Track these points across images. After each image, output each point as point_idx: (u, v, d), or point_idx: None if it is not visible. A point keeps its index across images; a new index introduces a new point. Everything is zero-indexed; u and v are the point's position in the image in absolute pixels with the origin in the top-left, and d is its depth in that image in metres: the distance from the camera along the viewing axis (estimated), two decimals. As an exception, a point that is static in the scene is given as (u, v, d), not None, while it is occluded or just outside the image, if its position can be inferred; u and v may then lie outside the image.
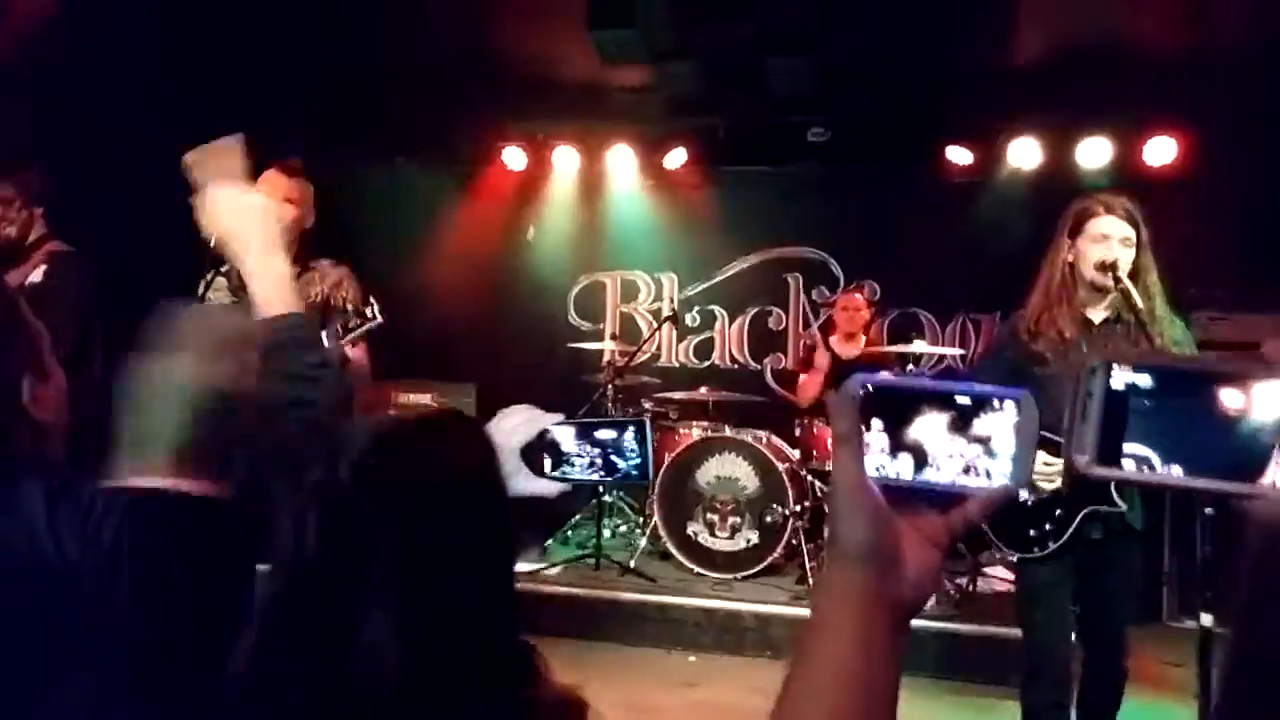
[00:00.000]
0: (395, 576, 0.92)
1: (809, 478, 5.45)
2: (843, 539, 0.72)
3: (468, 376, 6.26)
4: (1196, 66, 5.16)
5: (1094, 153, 6.03)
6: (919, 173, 6.58)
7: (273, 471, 1.04)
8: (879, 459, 0.76)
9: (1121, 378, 0.72)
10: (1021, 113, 6.05)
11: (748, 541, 5.33)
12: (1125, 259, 2.87)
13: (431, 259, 6.99)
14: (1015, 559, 3.09)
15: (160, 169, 5.39)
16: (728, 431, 5.58)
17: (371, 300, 2.79)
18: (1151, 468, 0.72)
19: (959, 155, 6.33)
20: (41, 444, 1.27)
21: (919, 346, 5.33)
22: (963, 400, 0.75)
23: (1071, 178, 6.02)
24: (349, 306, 3.18)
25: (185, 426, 1.03)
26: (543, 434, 1.38)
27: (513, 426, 1.38)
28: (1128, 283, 2.82)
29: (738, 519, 5.34)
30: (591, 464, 1.40)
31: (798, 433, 5.55)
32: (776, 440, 5.59)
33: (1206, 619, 2.27)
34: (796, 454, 5.51)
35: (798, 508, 5.21)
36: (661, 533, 5.49)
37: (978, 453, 0.75)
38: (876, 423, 0.76)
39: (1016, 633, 3.21)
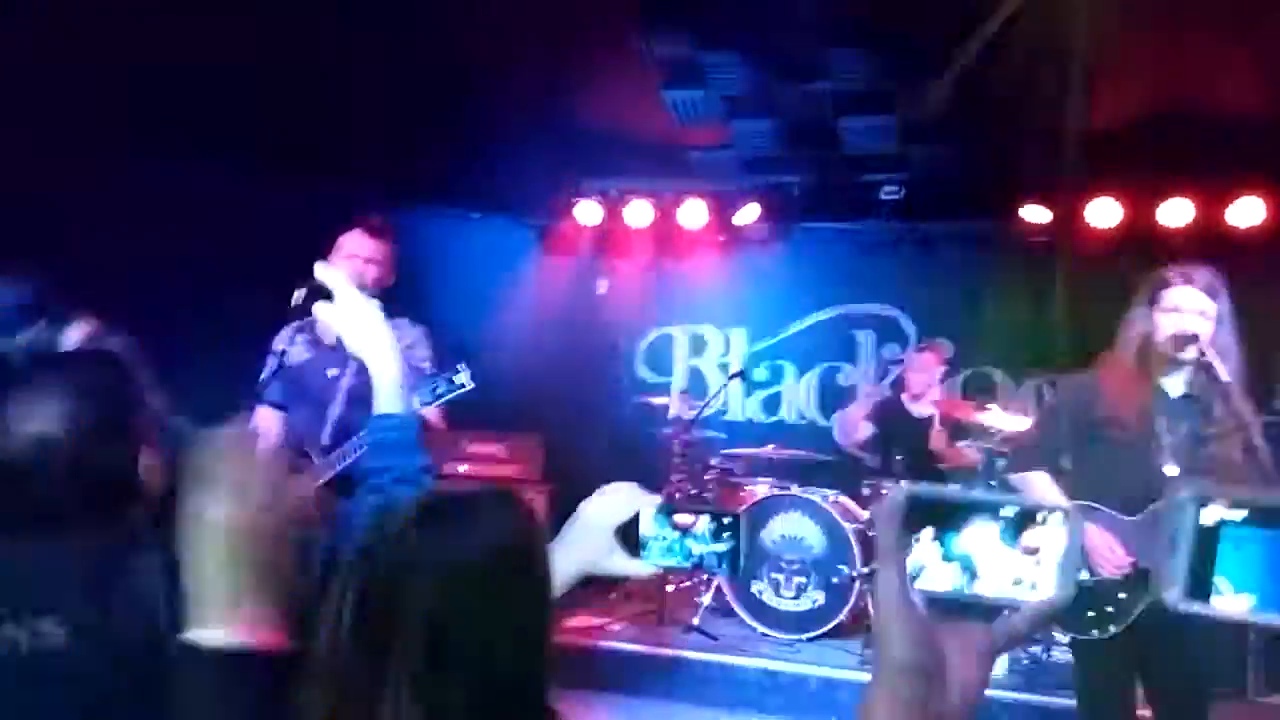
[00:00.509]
0: (419, 649, 0.93)
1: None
2: (888, 654, 0.73)
3: (536, 428, 6.31)
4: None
5: (1176, 213, 5.91)
6: (994, 231, 6.53)
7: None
8: (929, 569, 0.76)
9: (1214, 513, 0.72)
10: (1102, 173, 5.96)
11: (814, 602, 5.24)
12: (1203, 332, 2.78)
13: (505, 312, 7.11)
14: (1069, 640, 2.98)
15: (239, 214, 5.52)
16: (794, 490, 5.52)
17: (461, 366, 2.86)
18: (1240, 605, 0.71)
19: (1035, 214, 6.25)
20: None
21: (993, 417, 5.19)
22: (1008, 512, 0.76)
23: (1152, 239, 5.91)
24: (423, 366, 3.26)
25: (237, 578, 1.04)
26: (637, 516, 1.38)
27: (611, 505, 1.39)
28: (1212, 354, 2.74)
29: (804, 579, 5.26)
30: (671, 549, 1.39)
31: (866, 492, 5.46)
32: (844, 500, 5.51)
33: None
34: (865, 514, 5.42)
35: (865, 569, 5.11)
36: (725, 590, 5.43)
37: (1028, 564, 0.75)
38: (928, 531, 0.76)
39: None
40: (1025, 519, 0.75)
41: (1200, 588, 0.72)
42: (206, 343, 4.88)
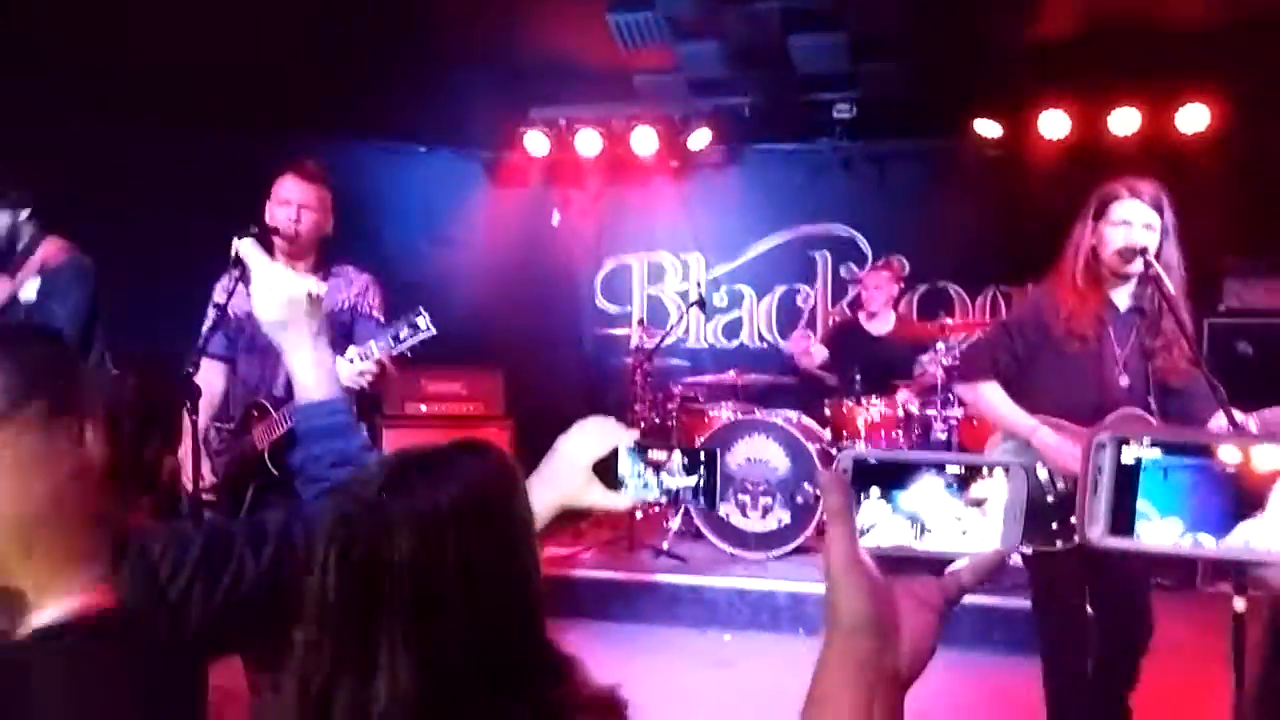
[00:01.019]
0: (407, 600, 0.94)
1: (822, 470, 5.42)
2: (839, 613, 0.73)
3: (496, 363, 6.29)
4: (1228, 32, 5.07)
5: (1125, 122, 5.95)
6: (947, 147, 6.54)
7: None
8: (877, 526, 0.78)
9: (1131, 452, 0.74)
10: (1051, 84, 5.97)
11: (780, 522, 5.33)
12: (1150, 245, 2.82)
13: (457, 246, 7.02)
14: (1031, 552, 3.08)
15: (169, 167, 5.44)
16: (757, 413, 5.58)
17: (421, 309, 2.82)
18: (1165, 537, 0.74)
19: (988, 128, 6.26)
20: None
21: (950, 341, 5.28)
22: (954, 469, 0.78)
23: (1102, 148, 5.95)
24: (375, 313, 3.21)
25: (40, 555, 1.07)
26: (614, 451, 1.39)
27: (587, 442, 1.39)
28: (1159, 268, 2.77)
29: (769, 499, 5.34)
30: (646, 485, 1.41)
31: (828, 412, 5.53)
32: (807, 420, 5.57)
33: (1239, 603, 2.24)
34: (827, 434, 5.50)
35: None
36: (693, 514, 5.50)
37: (974, 516, 0.77)
38: (874, 489, 0.78)
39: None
40: (970, 473, 0.77)
41: (1123, 524, 0.74)
42: (148, 288, 4.82)
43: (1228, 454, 0.72)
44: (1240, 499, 0.72)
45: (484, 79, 5.92)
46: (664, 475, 1.38)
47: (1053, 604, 3.06)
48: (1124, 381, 2.89)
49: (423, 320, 2.82)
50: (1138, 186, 2.87)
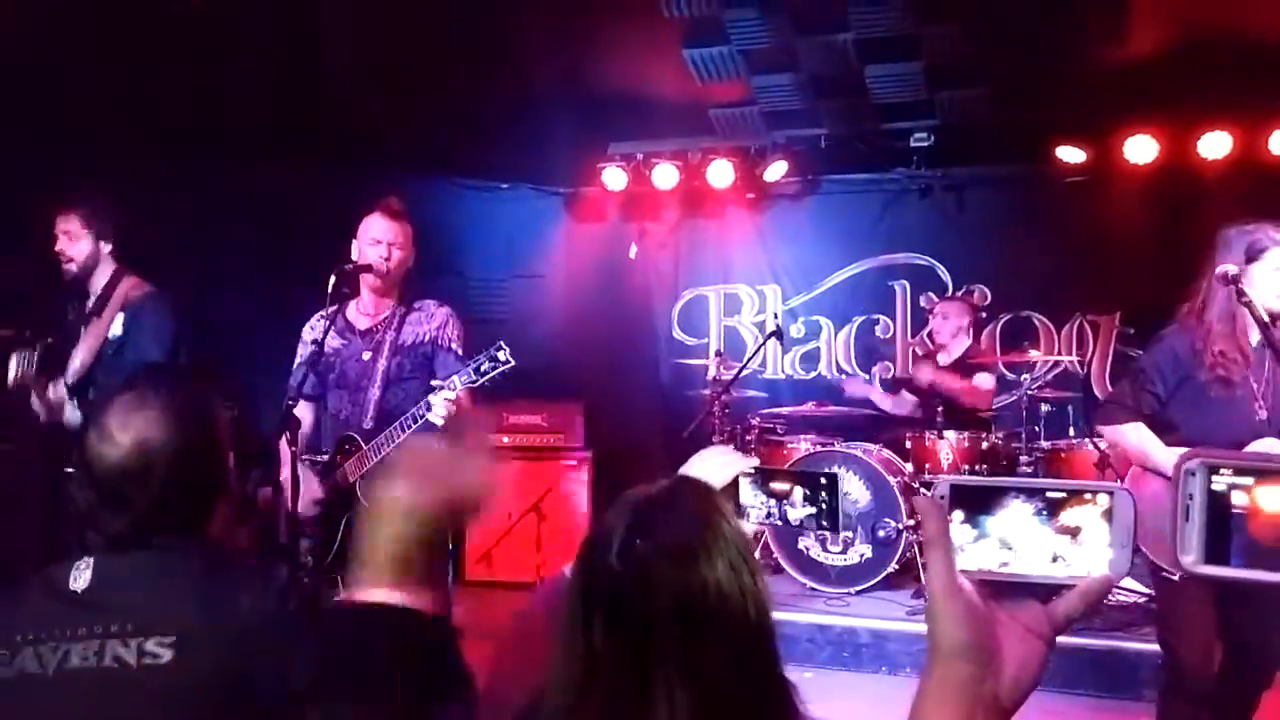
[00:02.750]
0: (678, 635, 0.97)
1: (922, 490, 5.34)
2: (939, 639, 0.74)
3: (575, 395, 6.35)
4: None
5: (1215, 145, 5.78)
6: (1029, 173, 6.44)
7: None
8: (966, 550, 0.78)
9: (1222, 480, 0.73)
10: (1136, 107, 5.83)
11: (861, 556, 5.25)
12: None
13: (537, 281, 7.13)
14: (1157, 579, 3.01)
15: (262, 201, 5.61)
16: (837, 445, 5.52)
17: (501, 343, 2.90)
18: (1262, 563, 0.73)
19: (1071, 154, 6.14)
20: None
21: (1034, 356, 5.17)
22: (1052, 494, 0.77)
23: (1192, 172, 5.79)
24: (455, 346, 3.29)
25: (401, 546, 1.12)
26: (735, 479, 1.42)
27: (709, 470, 1.42)
28: None
29: (850, 534, 5.27)
30: (769, 514, 1.42)
31: (909, 445, 5.45)
32: (887, 453, 5.50)
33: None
34: (909, 467, 5.41)
35: (911, 521, 5.11)
36: (773, 548, 5.45)
37: (1066, 543, 0.76)
38: (958, 514, 0.78)
39: (1144, 645, 3.11)
40: (1063, 500, 0.77)
41: (1217, 552, 0.72)
42: (245, 329, 5.00)
43: None
44: None
45: (563, 116, 6.03)
46: (787, 506, 1.39)
47: (1174, 639, 2.98)
48: (1261, 415, 2.90)
49: (503, 353, 2.89)
50: None
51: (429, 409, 2.96)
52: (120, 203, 3.90)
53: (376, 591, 1.10)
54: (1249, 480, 0.73)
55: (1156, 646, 3.13)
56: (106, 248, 3.76)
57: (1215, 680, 2.91)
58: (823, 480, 1.41)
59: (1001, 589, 0.77)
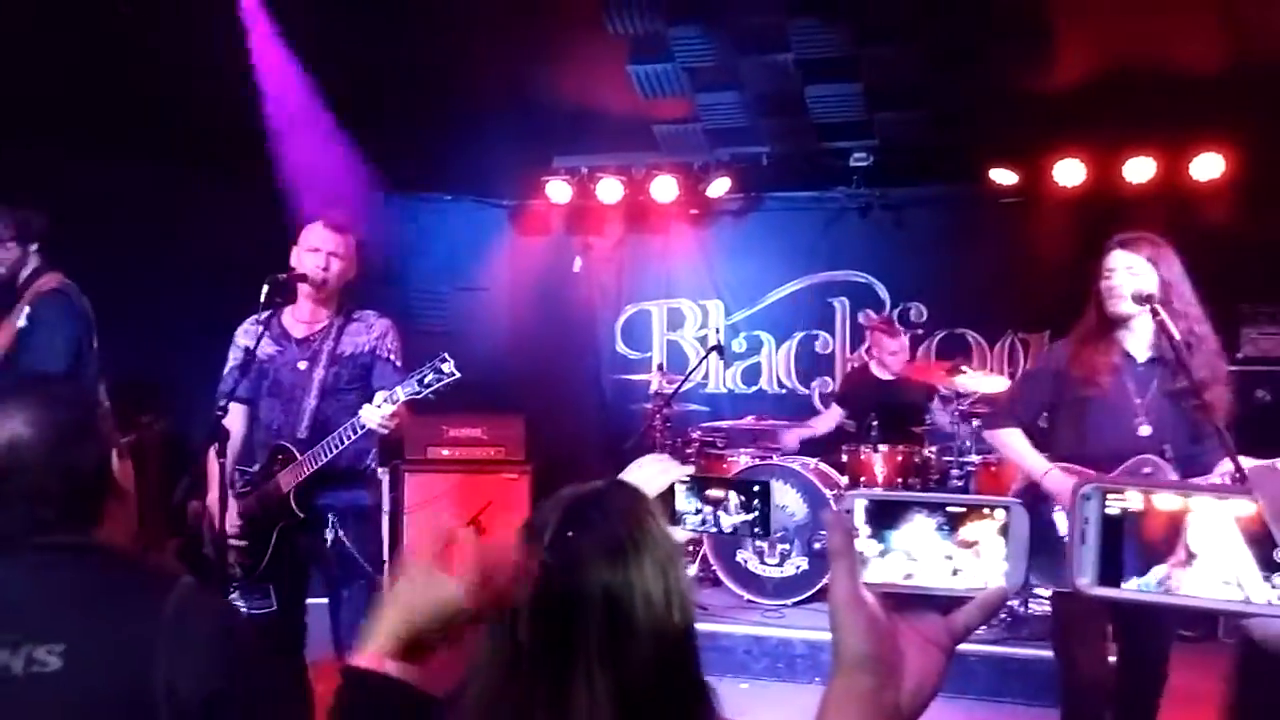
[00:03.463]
0: (602, 629, 1.00)
1: (832, 504, 5.40)
2: (842, 649, 0.76)
3: (516, 408, 6.33)
4: (1241, 80, 5.11)
5: (1140, 170, 5.98)
6: (964, 194, 6.60)
7: None
8: (870, 564, 0.80)
9: (1116, 503, 0.76)
10: (1066, 133, 6.02)
11: (798, 569, 5.31)
12: (1129, 289, 2.88)
13: (479, 293, 7.11)
14: (1051, 593, 3.09)
15: (197, 208, 5.52)
16: (775, 459, 5.58)
17: (445, 355, 2.89)
18: (1155, 587, 0.75)
19: (1004, 176, 6.30)
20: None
21: (969, 380, 5.28)
22: (952, 509, 0.79)
23: (1117, 196, 5.98)
24: (393, 357, 3.27)
25: (427, 634, 1.14)
26: (671, 486, 1.44)
27: (646, 478, 1.43)
28: (1165, 316, 2.82)
29: (787, 546, 5.33)
30: (704, 521, 1.45)
31: (845, 458, 5.53)
32: (824, 466, 5.57)
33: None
34: (845, 480, 5.49)
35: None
36: (711, 560, 5.49)
37: (967, 556, 0.79)
38: (865, 528, 0.80)
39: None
40: (963, 515, 0.79)
41: (1111, 575, 0.76)
42: (178, 335, 4.91)
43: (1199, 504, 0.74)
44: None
45: (507, 129, 6.04)
46: (721, 513, 1.42)
47: (1073, 647, 3.05)
48: (1144, 430, 2.92)
49: (447, 365, 2.89)
50: (1132, 238, 2.97)
51: (362, 423, 2.95)
52: (51, 208, 3.85)
53: (388, 662, 1.12)
54: (1139, 503, 0.76)
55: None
56: (34, 248, 3.76)
57: (1114, 687, 3.00)
58: (755, 488, 1.43)
59: (904, 601, 0.80)
